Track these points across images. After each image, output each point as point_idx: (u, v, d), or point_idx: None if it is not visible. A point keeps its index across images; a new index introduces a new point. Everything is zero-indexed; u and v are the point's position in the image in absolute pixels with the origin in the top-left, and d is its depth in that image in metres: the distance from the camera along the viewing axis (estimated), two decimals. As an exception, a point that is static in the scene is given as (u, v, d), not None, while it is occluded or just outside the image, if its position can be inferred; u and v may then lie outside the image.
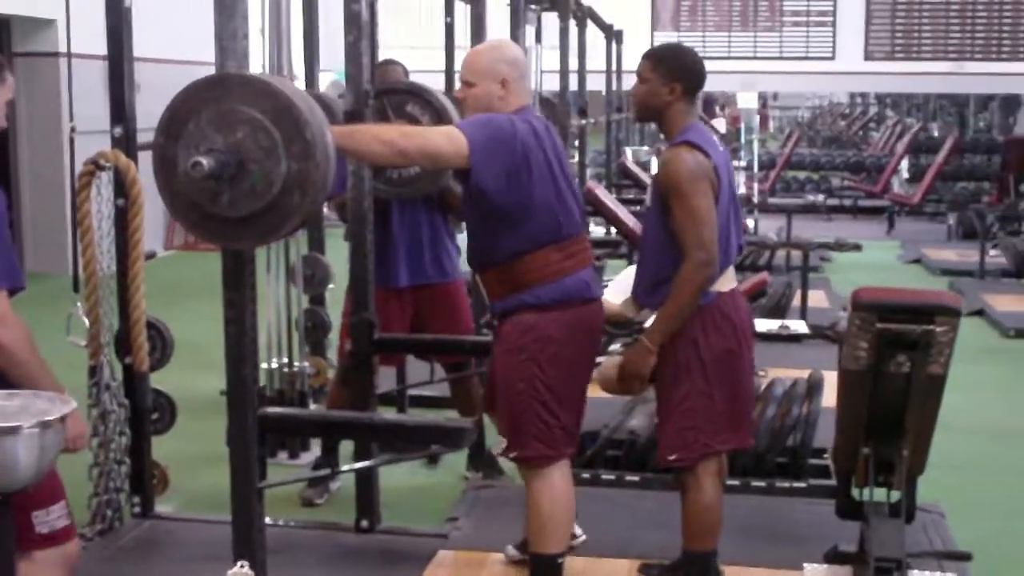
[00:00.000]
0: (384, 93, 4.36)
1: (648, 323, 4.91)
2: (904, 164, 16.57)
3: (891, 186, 16.02)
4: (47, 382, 2.70)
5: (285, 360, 5.41)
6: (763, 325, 4.29)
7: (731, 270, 3.56)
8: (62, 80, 10.03)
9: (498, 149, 3.32)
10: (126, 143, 4.13)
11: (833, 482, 4.90)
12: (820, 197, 12.71)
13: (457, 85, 3.67)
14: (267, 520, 3.32)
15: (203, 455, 5.35)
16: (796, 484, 4.88)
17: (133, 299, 4.12)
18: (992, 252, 11.06)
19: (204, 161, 2.62)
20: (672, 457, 3.56)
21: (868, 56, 16.00)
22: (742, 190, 16.42)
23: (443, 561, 4.09)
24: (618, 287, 5.34)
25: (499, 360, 3.56)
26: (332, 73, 9.32)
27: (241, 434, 3.10)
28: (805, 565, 3.66)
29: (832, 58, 16.03)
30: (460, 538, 4.29)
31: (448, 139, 3.29)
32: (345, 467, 3.89)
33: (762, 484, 4.85)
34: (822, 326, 4.90)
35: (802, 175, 18.45)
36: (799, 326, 5.02)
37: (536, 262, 3.45)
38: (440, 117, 4.36)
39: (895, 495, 3.69)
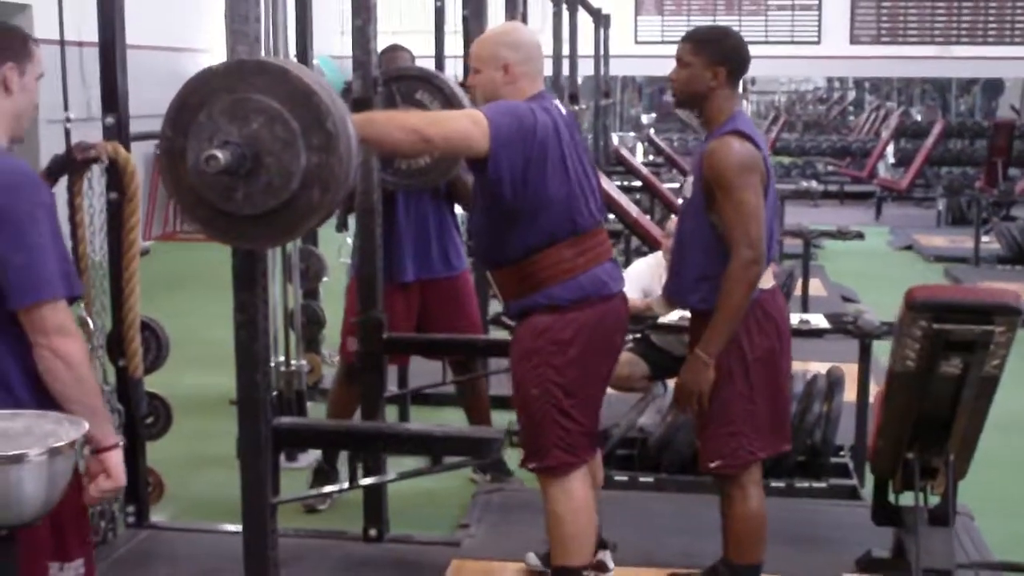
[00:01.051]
0: (393, 79, 4.14)
1: (664, 317, 4.77)
2: (889, 149, 16.45)
3: (877, 171, 15.90)
4: (99, 402, 2.44)
5: (281, 358, 5.19)
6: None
7: (771, 267, 3.36)
8: (37, 67, 9.74)
9: (519, 139, 3.14)
10: (119, 133, 3.91)
11: (854, 481, 4.78)
12: (813, 183, 12.53)
13: (451, 71, 3.46)
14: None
15: (197, 457, 5.15)
16: (816, 484, 4.72)
17: (128, 300, 3.90)
18: (985, 239, 10.93)
19: (220, 155, 2.41)
20: (714, 464, 3.36)
21: (854, 40, 15.87)
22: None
23: (458, 571, 3.89)
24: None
25: (514, 365, 3.37)
26: (315, 59, 9.10)
27: (253, 446, 2.91)
28: (844, 575, 3.48)
29: (818, 42, 15.89)
30: (473, 546, 4.10)
31: (472, 124, 3.09)
32: (364, 480, 3.67)
33: (781, 485, 4.68)
34: (843, 320, 4.73)
35: (786, 160, 18.30)
36: (819, 320, 4.83)
37: (548, 259, 3.25)
38: (451, 103, 4.14)
39: (932, 499, 3.53)
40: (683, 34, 3.42)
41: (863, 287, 9.51)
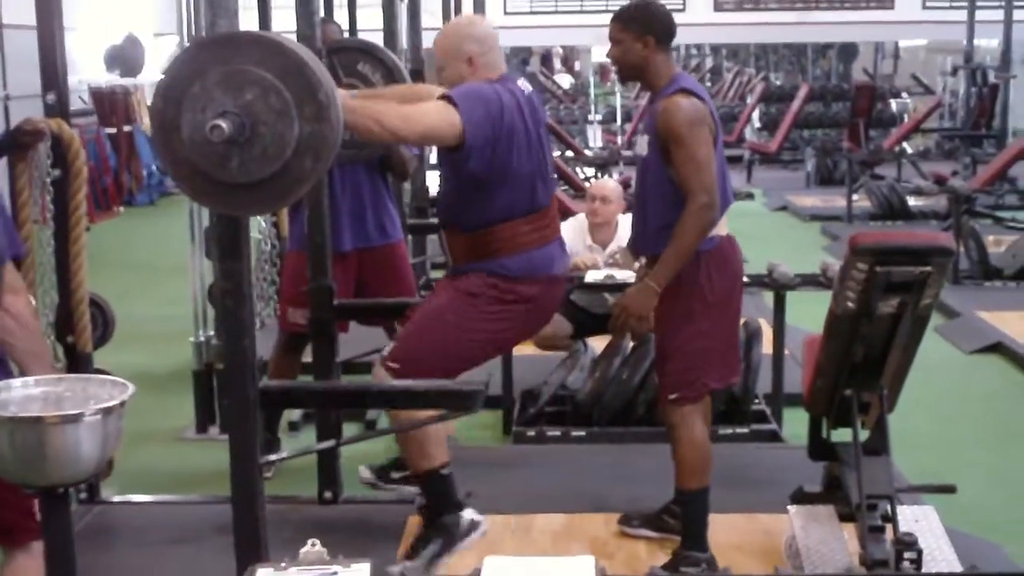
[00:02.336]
0: (334, 51, 4.22)
1: (590, 277, 4.96)
2: (755, 113, 16.94)
3: (744, 135, 16.36)
4: (47, 351, 2.55)
5: (211, 332, 5.23)
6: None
7: (726, 215, 3.61)
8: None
9: (487, 123, 3.32)
10: (60, 110, 3.91)
11: (773, 426, 5.06)
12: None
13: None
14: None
15: (130, 433, 5.14)
16: (740, 430, 4.98)
17: (76, 276, 3.92)
18: (854, 197, 11.39)
19: (224, 124, 2.49)
20: (673, 396, 3.64)
21: (718, 7, 16.28)
22: (599, 143, 16.58)
23: (416, 527, 4.02)
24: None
25: (443, 292, 3.56)
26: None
27: (242, 409, 2.97)
28: (789, 508, 3.71)
29: (683, 10, 16.23)
30: (427, 503, 4.23)
31: (443, 118, 3.26)
32: (347, 437, 3.78)
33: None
34: (760, 274, 4.99)
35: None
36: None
37: (505, 232, 3.47)
38: (392, 75, 4.24)
39: (863, 434, 3.77)
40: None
41: (747, 246, 9.80)
